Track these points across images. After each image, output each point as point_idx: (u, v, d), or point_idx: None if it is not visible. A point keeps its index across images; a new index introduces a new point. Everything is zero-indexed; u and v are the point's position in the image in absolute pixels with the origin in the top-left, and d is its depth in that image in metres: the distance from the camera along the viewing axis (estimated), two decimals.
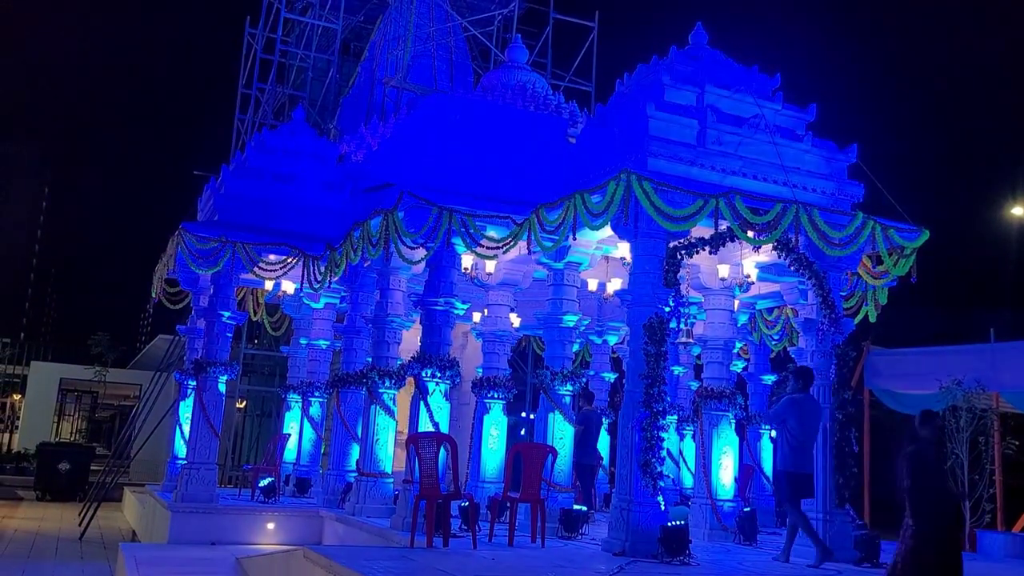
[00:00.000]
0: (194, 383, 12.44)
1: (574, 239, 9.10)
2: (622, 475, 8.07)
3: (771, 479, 8.81)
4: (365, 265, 11.19)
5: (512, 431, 11.35)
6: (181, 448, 13.37)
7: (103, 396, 32.47)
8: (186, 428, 12.96)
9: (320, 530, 11.46)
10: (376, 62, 19.62)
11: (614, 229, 8.50)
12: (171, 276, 13.39)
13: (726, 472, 9.66)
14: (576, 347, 11.44)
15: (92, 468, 20.45)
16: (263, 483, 12.23)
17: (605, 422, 13.74)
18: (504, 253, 9.77)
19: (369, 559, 7.04)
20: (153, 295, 14.11)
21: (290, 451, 13.82)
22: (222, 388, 12.16)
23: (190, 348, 14.20)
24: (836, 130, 9.33)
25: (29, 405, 28.72)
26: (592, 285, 11.27)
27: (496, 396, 10.60)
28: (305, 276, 12.03)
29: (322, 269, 11.59)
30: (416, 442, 8.53)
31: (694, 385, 11.67)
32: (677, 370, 11.87)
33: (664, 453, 8.10)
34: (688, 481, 11.68)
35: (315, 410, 13.62)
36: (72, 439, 33.76)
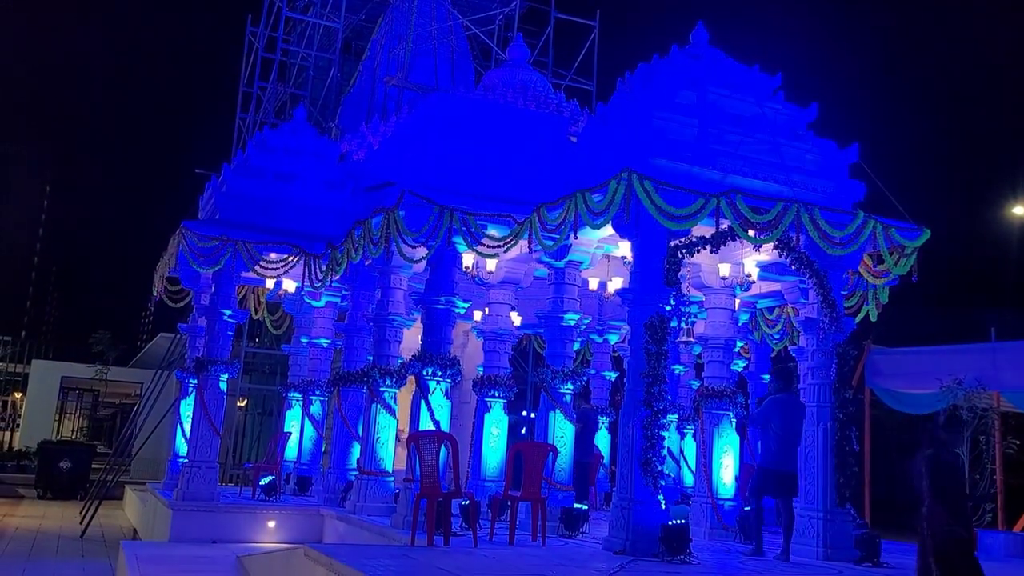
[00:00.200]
0: (195, 381, 12.46)
1: (575, 238, 9.10)
2: (623, 474, 8.08)
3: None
4: (366, 264, 11.20)
5: (513, 430, 11.37)
6: (182, 446, 13.38)
7: (104, 394, 32.50)
8: (187, 426, 12.98)
9: (321, 528, 11.47)
10: (377, 61, 19.63)
11: (615, 228, 8.50)
12: (172, 274, 13.41)
13: (727, 471, 9.67)
14: (577, 346, 11.45)
15: (93, 466, 20.47)
16: (264, 481, 12.25)
17: (605, 420, 13.78)
18: (505, 252, 9.78)
19: (370, 557, 7.05)
20: (154, 293, 14.12)
21: (291, 449, 13.83)
22: (223, 386, 12.17)
23: (191, 346, 14.22)
24: (837, 129, 9.34)
25: (30, 403, 28.75)
26: (593, 284, 11.27)
27: (497, 395, 10.60)
28: (306, 275, 12.04)
29: (323, 268, 11.60)
30: (417, 441, 8.54)
31: (695, 384, 11.66)
32: (678, 369, 11.88)
33: (665, 452, 8.11)
34: (689, 480, 11.69)
35: (316, 408, 13.63)
36: (73, 437, 33.72)
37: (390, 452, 10.70)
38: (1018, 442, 12.74)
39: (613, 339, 13.88)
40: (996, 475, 11.89)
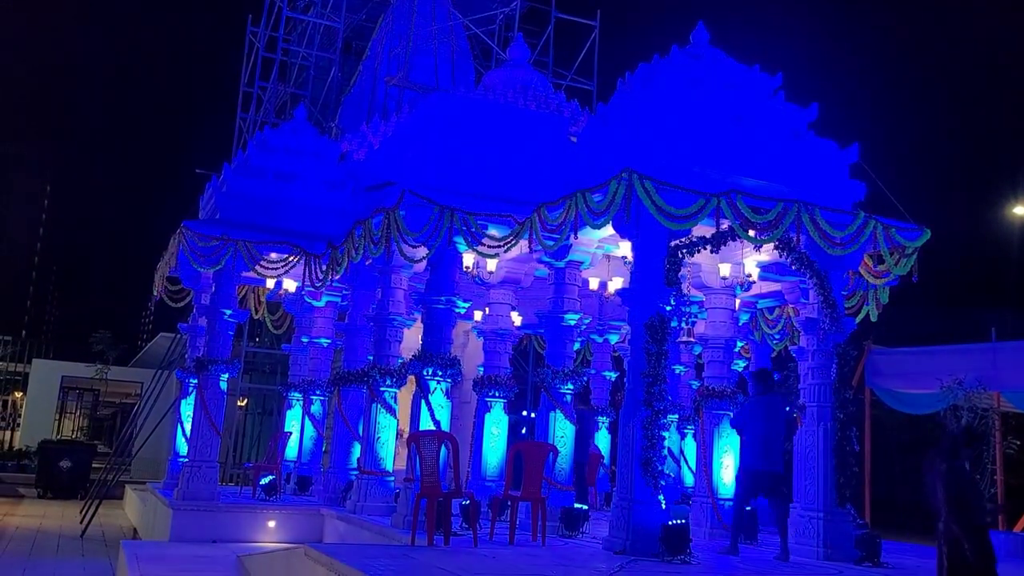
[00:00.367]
0: (195, 381, 12.46)
1: (575, 238, 9.10)
2: (623, 474, 8.08)
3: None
4: (367, 264, 11.20)
5: (513, 429, 11.37)
6: (182, 446, 13.38)
7: (104, 394, 32.52)
8: (187, 426, 12.98)
9: (321, 528, 11.48)
10: (378, 61, 19.64)
11: (615, 228, 8.50)
12: (173, 274, 13.42)
13: (727, 471, 9.66)
14: (577, 346, 11.45)
15: (93, 466, 20.48)
16: (264, 481, 12.25)
17: (605, 420, 13.79)
18: (505, 252, 9.78)
19: (370, 557, 7.05)
20: (155, 293, 14.13)
21: (291, 449, 13.83)
22: (223, 386, 12.18)
23: (191, 346, 14.22)
24: (837, 129, 9.34)
25: (30, 403, 28.76)
26: (593, 284, 11.27)
27: (497, 395, 10.61)
28: (307, 274, 12.04)
29: (324, 267, 11.61)
30: (417, 440, 8.54)
31: (695, 384, 11.66)
32: (678, 369, 11.87)
33: (665, 452, 8.11)
34: (689, 480, 11.69)
35: (316, 408, 13.63)
36: (73, 437, 33.74)
37: (390, 452, 10.70)
38: (1018, 442, 12.73)
39: (613, 339, 13.88)
40: (997, 475, 11.89)
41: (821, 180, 9.07)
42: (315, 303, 13.70)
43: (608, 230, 8.75)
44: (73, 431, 37.40)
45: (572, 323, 9.77)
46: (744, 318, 11.39)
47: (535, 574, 6.87)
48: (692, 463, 11.45)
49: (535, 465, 8.68)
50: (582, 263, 9.91)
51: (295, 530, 11.42)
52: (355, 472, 11.39)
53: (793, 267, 8.93)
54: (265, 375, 21.53)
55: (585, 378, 10.52)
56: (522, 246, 9.58)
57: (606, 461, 13.74)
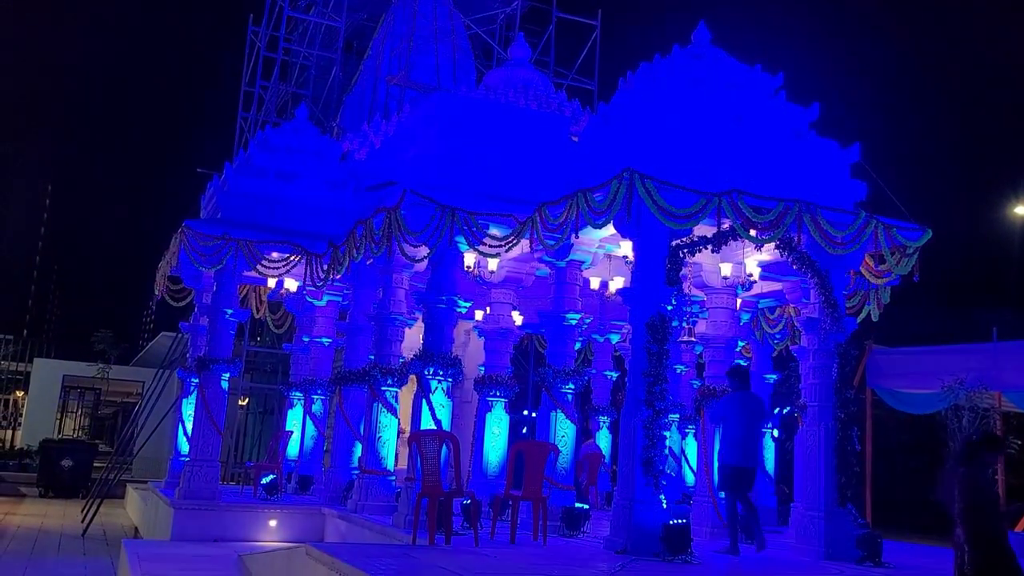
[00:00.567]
0: (197, 380, 12.47)
1: (576, 237, 9.10)
2: (624, 473, 8.08)
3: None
4: (368, 263, 11.20)
5: (514, 429, 11.37)
6: (184, 445, 13.40)
7: (106, 393, 32.54)
8: (189, 425, 12.99)
9: (322, 527, 11.48)
10: (379, 60, 19.65)
11: (617, 227, 8.50)
12: (174, 273, 13.43)
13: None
14: (578, 345, 11.45)
15: (95, 465, 20.50)
16: (265, 480, 12.25)
17: (606, 420, 13.80)
18: (506, 251, 9.78)
19: (371, 556, 7.05)
20: (156, 292, 14.14)
21: (292, 448, 13.83)
22: (225, 385, 12.18)
23: (193, 345, 14.23)
24: (838, 129, 9.33)
25: (32, 402, 28.78)
26: (594, 283, 11.28)
27: (498, 394, 10.61)
28: (308, 274, 12.04)
29: (325, 267, 11.61)
30: (418, 440, 8.54)
31: (696, 384, 11.66)
32: (679, 368, 11.86)
33: (666, 451, 8.11)
34: (690, 479, 11.68)
35: (317, 407, 13.63)
36: (75, 436, 33.80)
37: (391, 451, 10.70)
38: (1020, 442, 12.71)
39: (615, 339, 13.88)
40: (998, 475, 11.88)
41: (822, 180, 9.06)
42: (316, 302, 13.71)
43: (609, 230, 8.75)
44: (74, 430, 37.45)
45: (573, 323, 9.77)
46: (745, 318, 11.39)
47: (536, 574, 6.87)
48: (693, 463, 11.44)
49: (536, 465, 8.68)
50: (583, 263, 9.91)
51: (296, 529, 11.42)
52: (356, 471, 11.39)
53: (794, 267, 8.93)
54: (266, 374, 21.54)
55: (586, 378, 10.52)
56: (523, 246, 9.58)
57: (607, 460, 13.74)
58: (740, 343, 11.12)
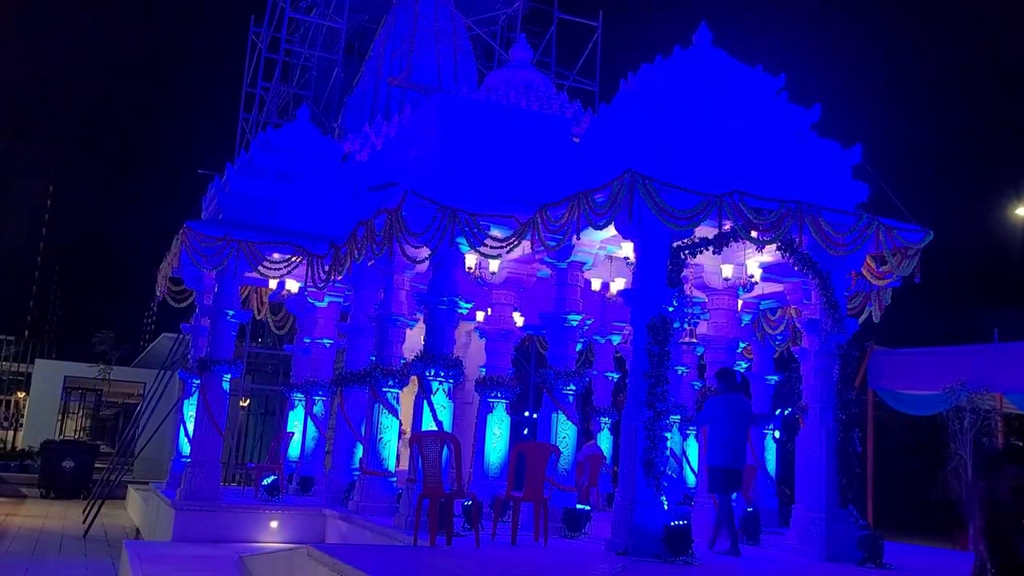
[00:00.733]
0: (198, 381, 12.47)
1: (578, 239, 9.10)
2: (625, 475, 8.08)
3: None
4: (369, 264, 11.20)
5: (515, 430, 11.37)
6: (185, 446, 13.40)
7: (107, 394, 32.58)
8: (190, 426, 12.99)
9: (323, 528, 11.48)
10: (380, 61, 19.66)
11: (618, 229, 8.50)
12: (175, 274, 13.43)
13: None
14: (579, 347, 11.44)
15: (96, 466, 20.49)
16: (267, 481, 12.25)
17: (608, 421, 13.80)
18: (508, 252, 9.78)
19: (372, 557, 7.06)
20: (157, 293, 14.14)
21: (294, 449, 13.84)
22: (226, 386, 12.19)
23: (194, 346, 14.23)
24: (840, 130, 9.33)
25: (33, 403, 28.79)
26: (596, 285, 11.27)
27: (499, 395, 10.61)
28: (309, 275, 12.05)
29: (326, 268, 11.61)
30: (420, 441, 8.54)
31: (698, 385, 11.67)
32: (680, 370, 11.86)
33: (667, 453, 8.11)
34: (691, 481, 11.68)
35: (319, 408, 13.64)
36: (76, 437, 33.83)
37: (393, 452, 10.70)
38: (1021, 443, 12.70)
39: (616, 340, 13.88)
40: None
41: (824, 181, 9.06)
42: (317, 304, 13.71)
43: (610, 231, 8.75)
44: (76, 431, 37.48)
45: (574, 324, 9.77)
46: (746, 319, 11.38)
47: (537, 575, 6.87)
48: (694, 464, 11.44)
49: (537, 466, 8.68)
50: (584, 264, 9.91)
51: (297, 530, 11.42)
52: (357, 472, 11.39)
53: (795, 268, 8.93)
54: (268, 375, 21.54)
55: (587, 379, 10.52)
56: (524, 247, 9.58)
57: (608, 460, 13.74)
58: (741, 344, 11.12)
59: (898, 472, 16.47)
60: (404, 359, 10.66)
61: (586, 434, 13.10)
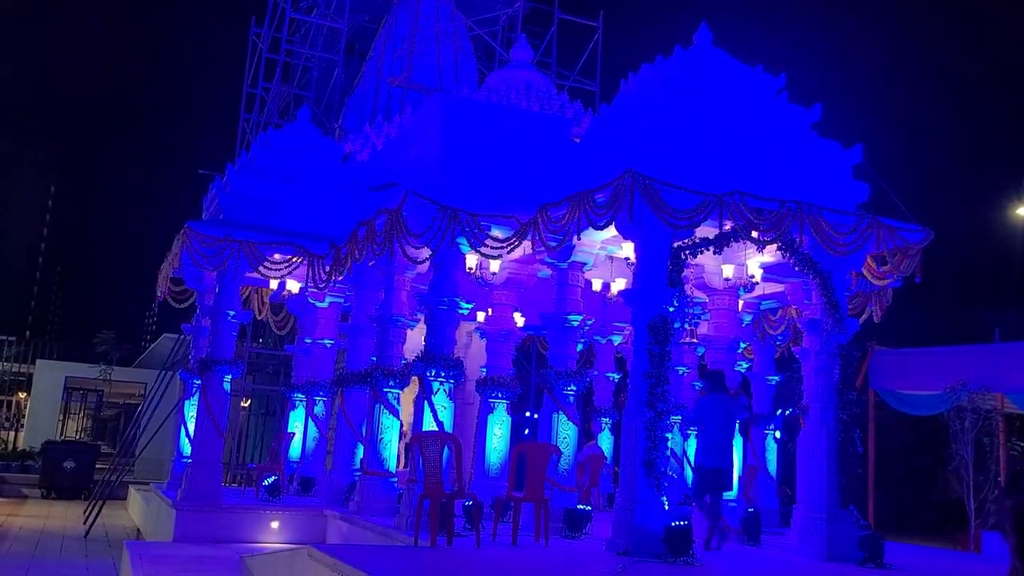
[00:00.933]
0: (199, 382, 12.48)
1: (578, 239, 9.11)
2: (626, 475, 8.08)
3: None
4: (370, 265, 11.21)
5: (516, 430, 11.37)
6: (186, 446, 13.41)
7: (108, 395, 32.58)
8: (191, 426, 13.00)
9: (324, 529, 11.48)
10: (381, 62, 19.66)
11: (618, 229, 8.50)
12: (176, 275, 13.43)
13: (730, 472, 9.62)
14: (580, 347, 11.44)
15: (97, 466, 20.50)
16: (267, 482, 12.25)
17: (608, 421, 13.80)
18: (508, 253, 9.78)
19: (373, 558, 7.06)
20: (158, 294, 14.15)
21: (295, 450, 13.84)
22: (227, 387, 12.19)
23: (195, 347, 14.24)
24: (840, 130, 9.33)
25: (34, 403, 28.80)
26: (596, 285, 11.28)
27: (500, 395, 10.61)
28: (310, 275, 12.05)
29: (327, 268, 11.61)
30: (420, 441, 8.54)
31: (698, 385, 11.66)
32: (681, 370, 11.86)
33: (668, 453, 8.11)
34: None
35: (319, 409, 13.64)
36: (77, 437, 33.84)
37: (393, 453, 10.70)
38: (1022, 444, 12.71)
39: (617, 340, 13.87)
40: (1000, 476, 11.87)
41: (824, 181, 9.06)
42: (318, 304, 13.71)
43: (611, 231, 8.75)
44: (77, 432, 37.51)
45: (575, 324, 9.77)
46: (747, 319, 11.39)
47: (538, 575, 6.87)
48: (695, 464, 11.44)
49: (538, 466, 8.68)
50: (585, 264, 9.92)
51: (298, 531, 11.42)
52: (358, 473, 11.39)
53: (796, 268, 8.92)
54: (268, 376, 21.55)
55: (588, 379, 10.52)
56: (525, 247, 9.58)
57: (608, 461, 13.73)
58: (742, 344, 11.12)
59: (899, 472, 16.47)
60: (405, 359, 10.67)
61: (587, 434, 13.10)
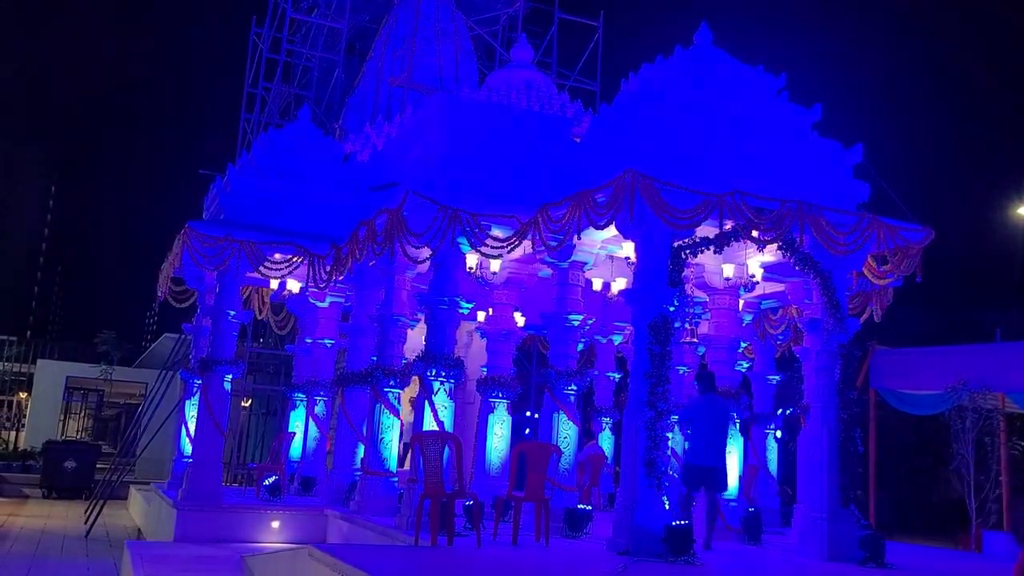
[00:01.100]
0: (200, 381, 12.48)
1: (579, 238, 9.10)
2: (627, 474, 8.08)
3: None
4: (370, 264, 11.21)
5: (516, 430, 11.37)
6: (187, 446, 13.41)
7: (109, 394, 32.62)
8: (191, 426, 13.00)
9: (325, 529, 11.48)
10: (381, 62, 19.66)
11: (619, 228, 8.50)
12: (177, 275, 13.44)
13: (731, 472, 9.62)
14: (581, 347, 11.44)
15: (98, 466, 20.51)
16: (268, 481, 12.25)
17: (608, 421, 13.80)
18: (509, 252, 9.78)
19: (374, 557, 7.06)
20: (159, 294, 14.15)
21: (295, 449, 13.84)
22: (227, 386, 12.19)
23: (196, 347, 14.24)
24: (841, 130, 9.33)
25: (35, 403, 28.82)
26: (597, 284, 11.27)
27: (500, 395, 10.61)
28: (310, 275, 12.05)
29: (327, 268, 11.61)
30: (421, 441, 8.54)
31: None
32: (682, 370, 11.86)
33: (669, 453, 8.11)
34: None
35: (320, 409, 13.65)
36: (78, 437, 33.87)
37: (394, 452, 10.70)
38: (1023, 443, 12.71)
39: (617, 340, 13.87)
40: (1001, 476, 11.87)
41: (825, 181, 9.05)
42: (319, 304, 13.71)
43: (611, 231, 8.75)
44: (78, 431, 37.55)
45: (575, 324, 9.77)
46: (748, 319, 11.38)
47: (538, 575, 6.87)
48: None
49: (538, 466, 8.68)
50: (585, 264, 9.91)
51: (299, 530, 11.43)
52: (359, 473, 11.39)
53: (796, 268, 8.92)
54: (269, 376, 21.56)
55: (588, 379, 10.51)
56: (526, 247, 9.58)
57: (609, 460, 13.73)
58: (743, 344, 11.12)
59: (900, 472, 16.47)
60: (405, 359, 10.67)
61: (587, 434, 13.10)
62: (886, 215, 8.95)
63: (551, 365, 9.83)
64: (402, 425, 11.13)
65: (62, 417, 30.43)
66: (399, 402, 10.78)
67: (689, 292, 9.03)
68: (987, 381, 11.46)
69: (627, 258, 9.50)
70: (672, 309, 8.19)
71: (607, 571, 6.90)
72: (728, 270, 9.77)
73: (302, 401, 14.01)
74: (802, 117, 9.28)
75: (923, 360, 12.79)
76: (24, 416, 31.77)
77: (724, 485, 8.77)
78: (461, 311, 10.06)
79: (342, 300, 13.67)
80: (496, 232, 9.58)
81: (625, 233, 8.59)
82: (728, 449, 9.99)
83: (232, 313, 12.21)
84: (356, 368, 11.70)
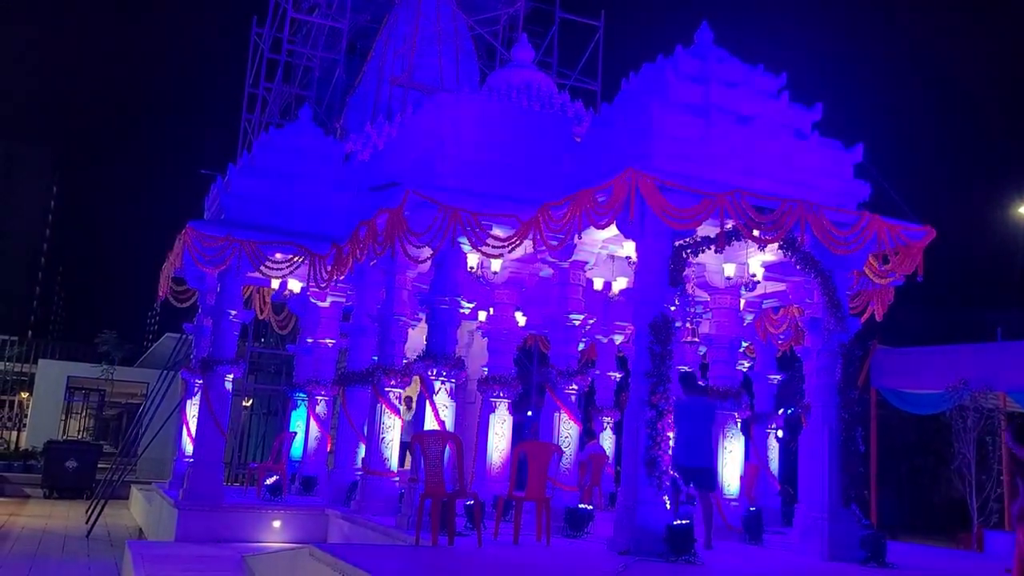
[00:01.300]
0: (201, 381, 12.48)
1: (580, 238, 9.10)
2: (628, 474, 8.07)
3: (777, 479, 9.04)
4: (371, 264, 11.21)
5: (517, 430, 11.37)
6: (188, 446, 13.41)
7: (110, 394, 32.61)
8: (192, 426, 13.00)
9: (326, 528, 11.49)
10: (382, 61, 19.66)
11: (619, 228, 8.50)
12: (178, 274, 13.45)
13: (732, 471, 9.63)
14: (582, 346, 11.44)
15: (99, 466, 20.51)
16: (269, 481, 12.26)
17: (609, 420, 13.80)
18: (510, 252, 9.78)
19: (374, 557, 7.06)
20: (160, 293, 14.16)
21: (296, 449, 13.85)
22: (228, 386, 12.20)
23: (197, 346, 14.24)
24: (842, 129, 9.32)
25: (37, 403, 28.84)
26: (598, 284, 11.27)
27: (501, 395, 10.61)
28: (311, 275, 12.06)
29: (328, 268, 11.62)
30: (422, 441, 8.54)
31: (700, 384, 11.65)
32: (683, 369, 11.86)
33: (669, 452, 8.10)
34: None
35: (321, 408, 13.65)
36: (79, 437, 33.85)
37: (395, 452, 10.71)
38: None
39: (618, 339, 13.87)
40: (1003, 475, 11.86)
41: (826, 180, 9.05)
42: (320, 303, 13.71)
43: (612, 230, 8.75)
44: (79, 431, 37.54)
45: (576, 323, 9.77)
46: (748, 318, 11.37)
47: (539, 574, 6.87)
48: None
49: (539, 465, 8.68)
50: (586, 263, 9.91)
51: (300, 530, 11.43)
52: (360, 472, 11.40)
53: (797, 267, 8.92)
54: (270, 375, 21.58)
55: (590, 378, 10.50)
56: (526, 246, 9.58)
57: (611, 461, 13.74)
58: (743, 343, 11.11)
59: (901, 471, 16.47)
60: (406, 359, 10.67)
61: (588, 433, 13.10)
62: (887, 214, 8.95)
63: (552, 365, 9.83)
64: (402, 424, 11.12)
65: (63, 417, 30.44)
66: (400, 401, 10.78)
67: (690, 291, 9.04)
68: (988, 380, 11.46)
69: (628, 257, 9.50)
70: (673, 308, 8.19)
71: (608, 570, 6.90)
72: (729, 269, 9.77)
73: (303, 401, 14.02)
74: (803, 116, 9.27)
75: (924, 359, 12.79)
76: (25, 416, 31.79)
77: (714, 484, 8.76)
78: (462, 311, 10.06)
79: (343, 300, 13.67)
80: (497, 232, 9.59)
81: (626, 233, 8.58)
82: (729, 449, 10.01)
83: (233, 313, 12.22)
84: (357, 368, 11.71)
